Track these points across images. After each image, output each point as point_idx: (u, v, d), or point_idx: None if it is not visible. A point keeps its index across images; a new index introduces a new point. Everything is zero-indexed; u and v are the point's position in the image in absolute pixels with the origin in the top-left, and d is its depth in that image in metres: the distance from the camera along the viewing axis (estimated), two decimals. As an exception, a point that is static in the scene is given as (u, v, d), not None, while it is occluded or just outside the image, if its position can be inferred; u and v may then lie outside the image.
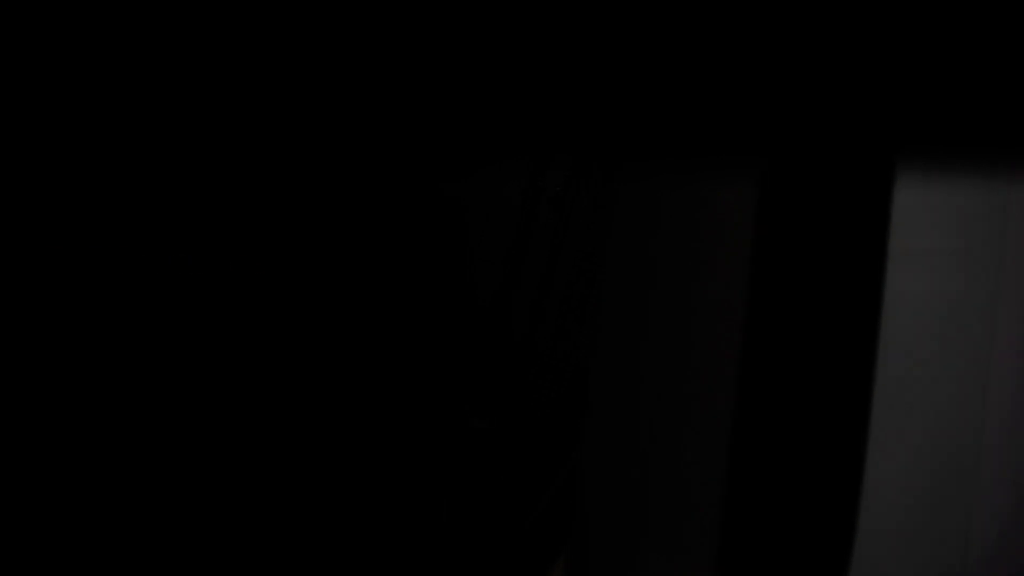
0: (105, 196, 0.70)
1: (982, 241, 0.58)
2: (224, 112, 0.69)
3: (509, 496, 0.76)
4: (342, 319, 0.75)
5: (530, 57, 0.68)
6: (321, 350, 0.75)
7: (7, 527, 0.69)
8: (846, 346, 0.58)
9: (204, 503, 0.71)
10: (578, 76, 0.68)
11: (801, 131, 0.59)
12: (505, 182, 0.76)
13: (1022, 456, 0.58)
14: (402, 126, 0.73)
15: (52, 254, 0.69)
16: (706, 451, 0.62)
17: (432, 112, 0.72)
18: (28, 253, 0.68)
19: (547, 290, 0.75)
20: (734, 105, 0.60)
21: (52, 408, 0.69)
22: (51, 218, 0.69)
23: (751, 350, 0.61)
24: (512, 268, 0.75)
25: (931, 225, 0.58)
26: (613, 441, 0.71)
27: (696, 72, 0.61)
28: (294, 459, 0.74)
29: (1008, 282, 0.58)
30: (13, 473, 0.69)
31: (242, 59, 0.67)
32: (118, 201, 0.70)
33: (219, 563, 0.71)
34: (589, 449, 0.73)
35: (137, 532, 0.71)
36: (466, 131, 0.73)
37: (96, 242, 0.70)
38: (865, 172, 0.58)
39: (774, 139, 0.60)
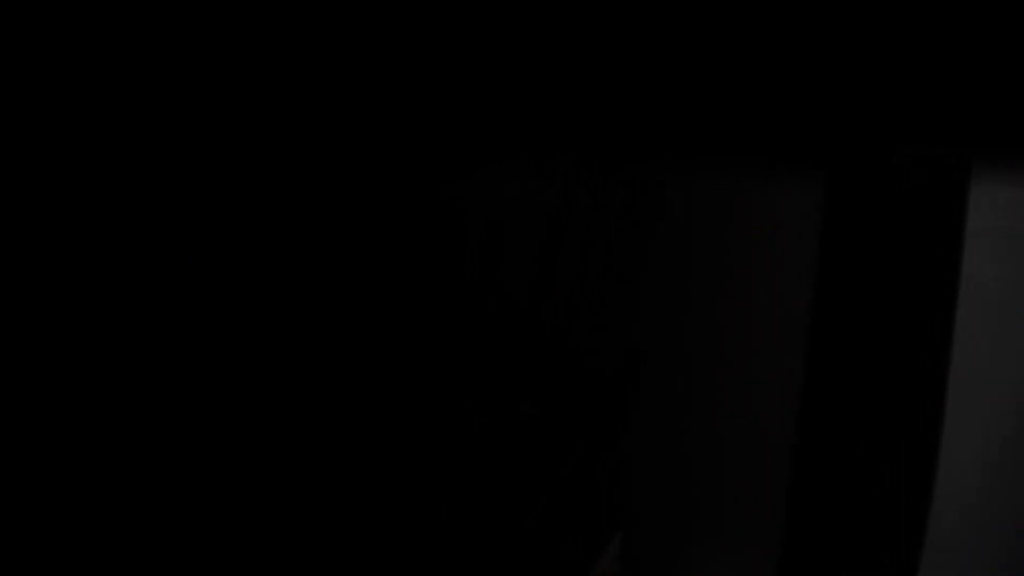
0: (103, 195, 0.69)
1: None
2: (228, 109, 0.65)
3: (557, 481, 0.78)
4: (380, 316, 0.75)
5: (562, 54, 0.64)
6: (361, 345, 0.75)
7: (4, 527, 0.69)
8: (918, 357, 0.59)
9: (212, 500, 0.72)
10: (630, 71, 0.64)
11: (871, 132, 0.57)
12: (542, 179, 0.74)
13: None
14: (436, 117, 0.70)
15: (51, 253, 0.69)
16: (768, 442, 0.63)
17: (463, 103, 0.68)
18: (26, 252, 0.69)
19: (583, 282, 0.74)
20: (800, 102, 0.58)
21: (48, 407, 0.70)
22: (47, 218, 0.68)
23: (817, 360, 0.61)
24: (548, 260, 0.74)
25: (1007, 237, 0.57)
26: (666, 429, 0.72)
27: (756, 65, 0.58)
28: (331, 450, 0.74)
29: None
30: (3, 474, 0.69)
31: (243, 57, 0.62)
32: (117, 200, 0.69)
33: (228, 560, 0.73)
34: (641, 435, 0.74)
35: (134, 531, 0.73)
36: (501, 123, 0.70)
37: (96, 241, 0.69)
38: (938, 178, 0.57)
39: (842, 140, 0.58)
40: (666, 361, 0.71)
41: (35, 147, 0.65)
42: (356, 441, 0.75)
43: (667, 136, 0.64)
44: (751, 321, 0.64)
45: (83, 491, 0.70)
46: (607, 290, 0.75)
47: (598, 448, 0.77)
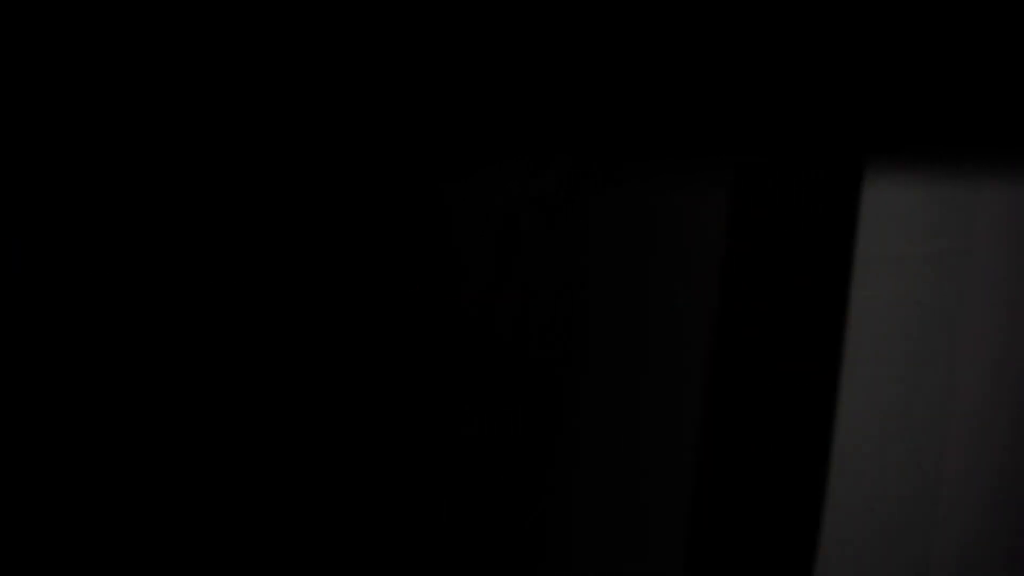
0: (82, 197, 0.71)
1: (948, 246, 0.57)
2: (208, 111, 0.69)
3: (500, 502, 0.76)
4: (326, 323, 0.75)
5: (517, 63, 0.68)
6: (305, 355, 0.75)
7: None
8: (813, 351, 0.58)
9: (195, 506, 0.72)
10: (559, 81, 0.68)
11: (773, 134, 0.59)
12: (493, 186, 0.77)
13: (987, 461, 0.57)
14: (387, 129, 0.74)
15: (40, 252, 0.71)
16: (675, 457, 0.62)
17: (417, 115, 0.73)
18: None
19: (533, 297, 0.76)
20: (707, 108, 0.60)
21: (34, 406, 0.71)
22: (35, 217, 0.70)
23: (721, 354, 0.61)
24: (499, 275, 0.75)
25: (897, 229, 0.58)
26: (585, 450, 0.71)
27: (669, 75, 0.62)
28: (284, 465, 0.74)
29: (973, 287, 0.57)
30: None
31: (226, 57, 0.68)
32: (95, 202, 0.71)
33: (210, 566, 0.72)
34: (563, 456, 0.73)
35: (117, 532, 0.72)
36: (455, 134, 0.74)
37: (72, 243, 0.71)
38: (835, 176, 0.58)
39: (745, 142, 0.60)
40: (586, 363, 0.71)
41: (27, 147, 0.68)
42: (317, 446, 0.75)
43: (598, 139, 0.68)
44: (661, 333, 0.65)
45: (65, 489, 0.71)
46: (552, 297, 0.75)
47: (535, 468, 0.75)
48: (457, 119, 0.69)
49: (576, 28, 0.63)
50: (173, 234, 0.72)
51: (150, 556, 0.71)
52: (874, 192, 0.57)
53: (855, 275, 0.57)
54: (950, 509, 0.56)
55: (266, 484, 0.72)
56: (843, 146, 0.57)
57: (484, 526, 0.75)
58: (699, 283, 0.63)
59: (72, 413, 0.70)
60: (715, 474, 0.60)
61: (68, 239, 0.70)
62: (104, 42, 0.64)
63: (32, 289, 0.70)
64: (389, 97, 0.68)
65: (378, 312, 0.76)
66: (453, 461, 0.75)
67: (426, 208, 0.77)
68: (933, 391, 0.56)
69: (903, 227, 0.58)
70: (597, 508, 0.70)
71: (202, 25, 0.65)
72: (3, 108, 0.65)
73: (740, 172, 0.62)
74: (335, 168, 0.75)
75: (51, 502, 0.68)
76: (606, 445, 0.69)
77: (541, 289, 0.77)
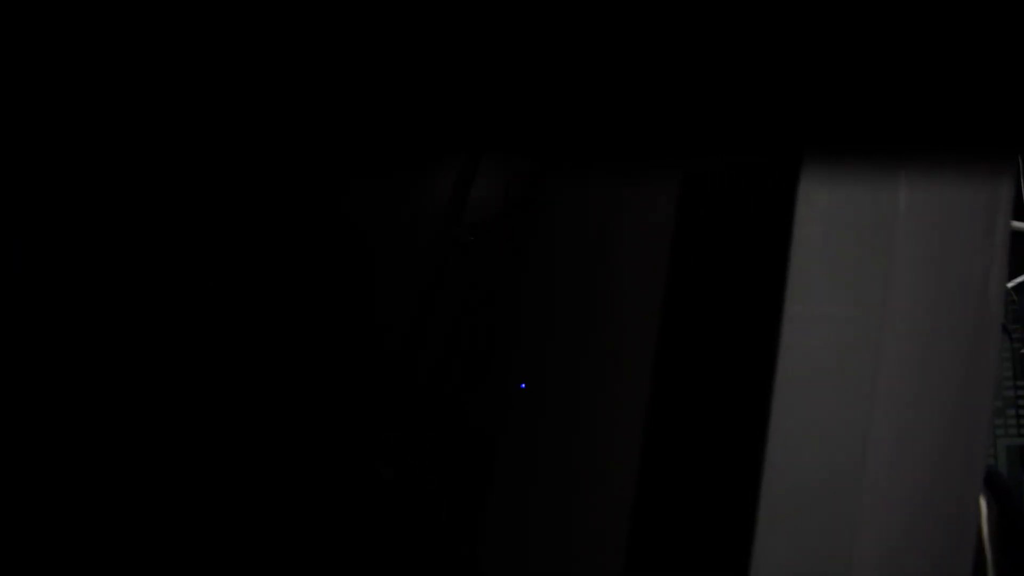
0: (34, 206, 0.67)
1: (870, 258, 0.59)
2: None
3: (418, 542, 0.76)
4: (245, 360, 0.74)
5: (459, 69, 0.67)
6: (224, 393, 0.74)
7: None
8: (749, 352, 0.59)
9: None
10: (502, 90, 0.67)
11: (713, 141, 0.60)
12: (419, 227, 0.76)
13: (911, 463, 0.59)
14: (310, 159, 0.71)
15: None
16: (614, 475, 0.63)
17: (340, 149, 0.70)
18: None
19: (455, 338, 0.74)
20: (654, 121, 0.61)
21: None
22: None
23: (661, 364, 0.61)
24: (422, 316, 0.74)
25: (829, 231, 0.58)
26: (517, 489, 0.72)
27: (616, 85, 0.62)
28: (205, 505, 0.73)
29: (894, 299, 0.59)
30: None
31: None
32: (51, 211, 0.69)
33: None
34: (493, 497, 0.73)
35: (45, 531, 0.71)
36: (377, 167, 0.72)
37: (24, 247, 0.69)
38: (771, 181, 0.59)
39: (690, 149, 0.61)
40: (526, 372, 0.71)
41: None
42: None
43: (545, 141, 0.67)
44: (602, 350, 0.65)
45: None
46: (473, 348, 0.74)
47: (454, 508, 0.74)
48: (393, 125, 0.68)
49: (525, 38, 0.62)
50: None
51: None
52: (808, 194, 0.58)
53: (789, 278, 0.57)
54: (873, 510, 0.57)
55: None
56: (781, 153, 0.58)
57: (407, 565, 0.74)
58: (645, 287, 0.63)
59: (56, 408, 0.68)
60: (656, 478, 0.60)
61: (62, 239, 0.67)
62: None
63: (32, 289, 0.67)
64: (313, 108, 0.66)
65: (297, 357, 0.74)
66: (372, 503, 0.74)
67: (350, 245, 0.75)
68: (858, 392, 0.58)
69: (835, 229, 0.58)
70: (529, 548, 0.70)
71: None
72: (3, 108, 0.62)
73: (687, 179, 0.63)
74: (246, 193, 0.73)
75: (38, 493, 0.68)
76: (542, 480, 0.69)
77: (464, 332, 0.75)
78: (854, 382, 0.59)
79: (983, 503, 1.10)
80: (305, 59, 0.66)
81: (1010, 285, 4.05)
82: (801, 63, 0.57)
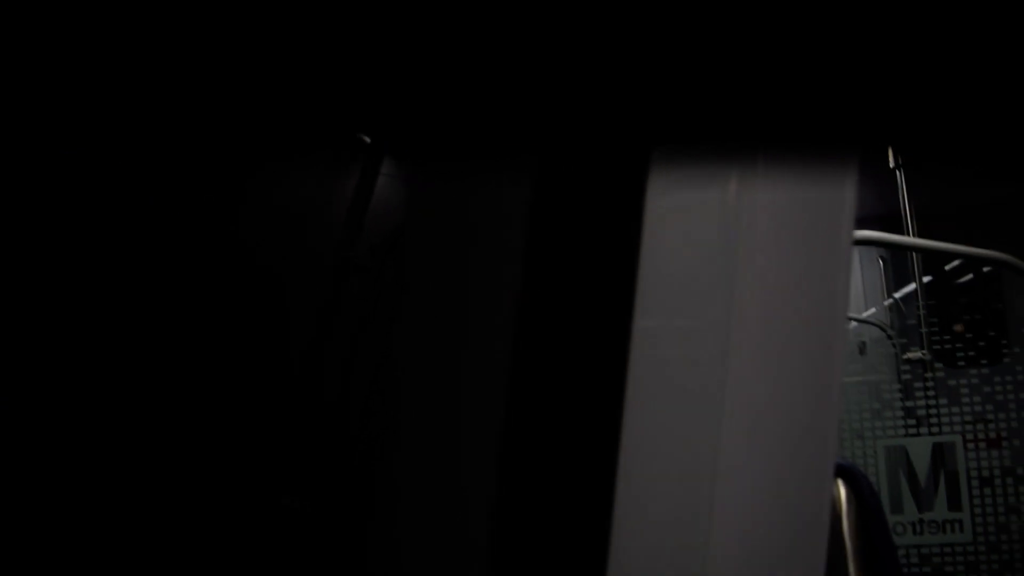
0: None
1: (718, 263, 0.60)
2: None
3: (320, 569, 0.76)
4: (143, 385, 0.73)
5: (323, 69, 0.67)
6: (123, 418, 0.73)
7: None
8: (602, 347, 0.60)
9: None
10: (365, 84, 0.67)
11: (567, 132, 0.60)
12: (316, 253, 0.76)
13: (760, 460, 0.62)
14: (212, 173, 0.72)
15: None
16: (483, 474, 0.64)
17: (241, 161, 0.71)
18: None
19: (353, 367, 0.76)
20: (509, 109, 0.61)
21: None
22: None
23: (521, 352, 0.62)
24: (321, 340, 0.75)
25: (677, 224, 0.60)
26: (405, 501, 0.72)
27: (475, 77, 0.62)
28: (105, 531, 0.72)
29: (741, 302, 0.61)
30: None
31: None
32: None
33: None
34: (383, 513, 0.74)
35: None
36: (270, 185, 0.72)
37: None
38: (622, 174, 0.60)
39: (544, 145, 0.61)
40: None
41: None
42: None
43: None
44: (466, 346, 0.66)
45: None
46: (374, 375, 0.76)
47: (358, 537, 0.76)
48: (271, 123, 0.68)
49: (387, 36, 0.63)
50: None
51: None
52: (658, 183, 0.59)
53: (641, 264, 0.59)
54: (727, 508, 0.60)
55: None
56: (631, 142, 0.59)
57: None
58: (506, 279, 0.64)
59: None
60: (515, 477, 0.61)
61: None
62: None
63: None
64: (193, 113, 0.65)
65: (201, 379, 0.74)
66: (273, 531, 0.75)
67: (250, 272, 0.75)
68: (709, 387, 0.60)
69: (683, 220, 0.60)
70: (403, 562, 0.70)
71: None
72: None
73: (541, 168, 0.62)
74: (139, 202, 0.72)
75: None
76: (425, 480, 0.70)
77: (362, 359, 0.78)
78: (705, 383, 0.62)
79: (844, 498, 1.19)
80: (189, 61, 0.67)
81: (897, 295, 4.26)
82: (656, 57, 0.60)
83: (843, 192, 0.63)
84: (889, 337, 3.49)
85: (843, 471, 1.20)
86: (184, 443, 0.74)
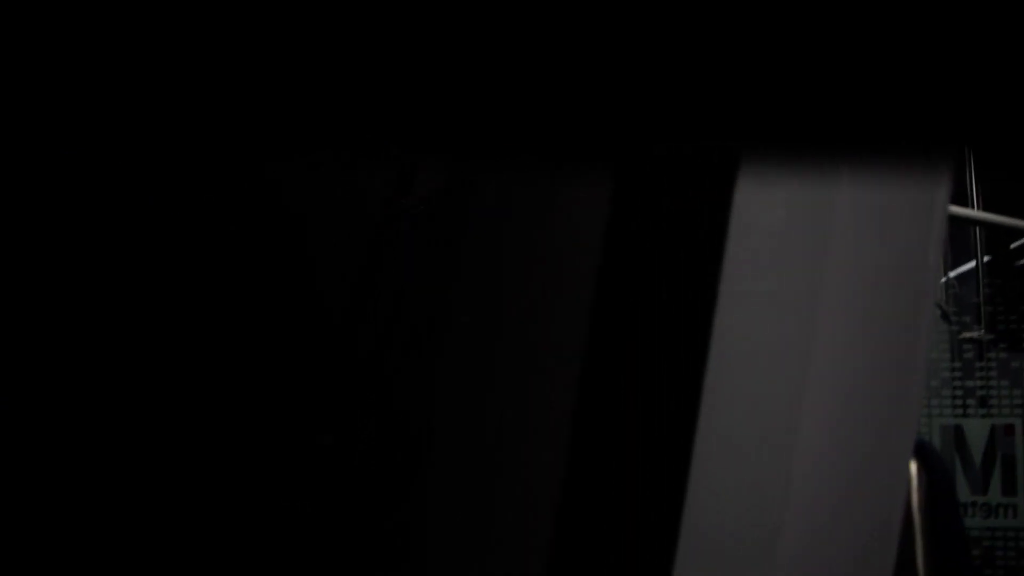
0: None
1: (804, 242, 0.59)
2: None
3: (357, 511, 0.75)
4: (180, 330, 0.73)
5: (390, 64, 0.66)
6: (161, 363, 0.72)
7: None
8: (682, 349, 0.59)
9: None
10: (435, 83, 0.66)
11: (651, 132, 0.60)
12: (366, 194, 0.74)
13: (838, 465, 0.60)
14: (252, 128, 0.70)
15: None
16: (539, 457, 0.63)
17: (286, 114, 0.69)
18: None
19: (398, 311, 0.73)
20: (588, 111, 0.60)
21: None
22: None
23: (595, 356, 0.61)
24: (365, 286, 0.73)
25: (762, 224, 0.59)
26: (446, 460, 0.72)
27: (542, 73, 0.61)
28: (142, 466, 0.72)
29: (829, 280, 0.60)
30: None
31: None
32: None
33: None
34: (424, 466, 0.73)
35: None
36: (326, 136, 0.70)
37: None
38: (707, 173, 0.59)
39: (625, 142, 0.60)
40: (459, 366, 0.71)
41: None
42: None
43: (477, 136, 0.66)
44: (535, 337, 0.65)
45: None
46: (417, 320, 0.74)
47: (393, 477, 0.74)
48: (324, 120, 0.67)
49: (439, 35, 0.61)
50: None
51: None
52: (746, 188, 0.58)
53: (724, 273, 0.58)
54: (797, 510, 0.59)
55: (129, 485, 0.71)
56: (718, 143, 0.58)
57: (343, 533, 0.74)
58: (574, 280, 0.63)
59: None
60: (582, 471, 0.60)
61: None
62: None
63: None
64: (248, 102, 0.65)
65: (237, 323, 0.73)
66: (310, 470, 0.74)
67: (289, 216, 0.74)
68: (788, 390, 0.58)
69: (770, 224, 0.58)
70: (458, 514, 0.70)
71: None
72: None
73: (619, 169, 0.61)
74: (193, 174, 0.71)
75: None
76: (467, 454, 0.69)
77: (406, 301, 0.75)
78: (789, 356, 0.60)
79: (914, 473, 1.14)
80: (247, 48, 0.65)
81: (952, 274, 4.16)
82: (742, 55, 0.57)
83: (938, 175, 0.62)
84: (945, 315, 3.40)
85: (916, 447, 1.15)
86: (228, 387, 0.74)
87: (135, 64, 0.62)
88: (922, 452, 1.14)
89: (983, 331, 3.00)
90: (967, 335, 3.06)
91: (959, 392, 2.86)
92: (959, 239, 3.89)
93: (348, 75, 0.65)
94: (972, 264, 3.51)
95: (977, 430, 2.77)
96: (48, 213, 0.67)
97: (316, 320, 0.75)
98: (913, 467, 1.14)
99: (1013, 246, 3.68)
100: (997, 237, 3.59)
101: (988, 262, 3.49)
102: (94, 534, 0.69)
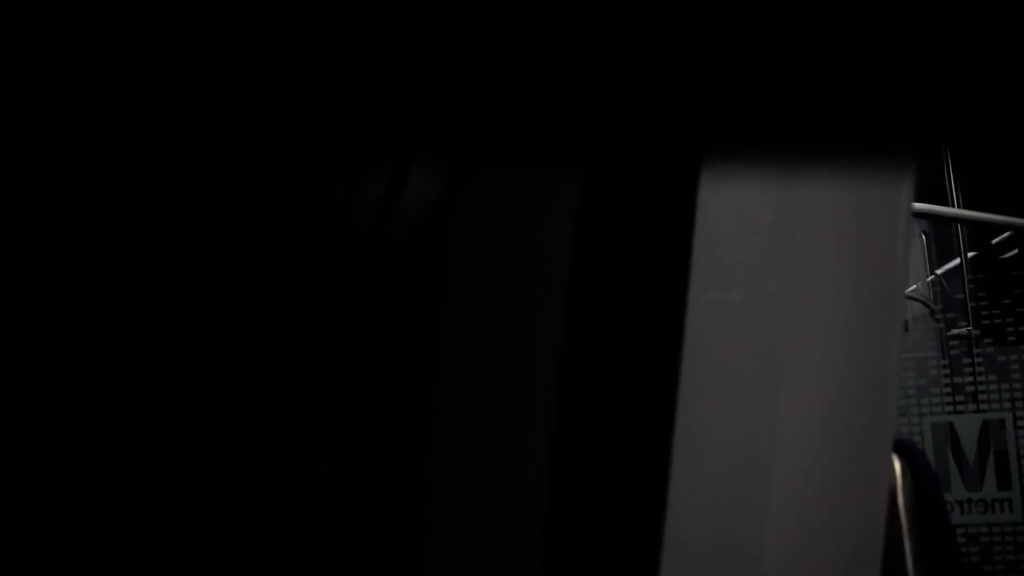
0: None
1: (771, 246, 0.60)
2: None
3: (356, 512, 0.76)
4: (184, 351, 0.73)
5: (385, 69, 0.66)
6: (163, 384, 0.73)
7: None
8: (654, 347, 0.59)
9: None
10: (422, 91, 0.67)
11: (617, 136, 0.60)
12: (366, 195, 0.75)
13: (816, 459, 0.61)
14: (249, 135, 0.71)
15: None
16: (529, 464, 0.63)
17: (280, 125, 0.70)
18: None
19: (396, 329, 0.74)
20: (556, 110, 0.61)
21: None
22: None
23: (570, 358, 0.62)
24: (365, 286, 0.74)
25: (727, 229, 0.59)
26: (444, 477, 0.72)
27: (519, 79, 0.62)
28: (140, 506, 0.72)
29: (795, 287, 0.60)
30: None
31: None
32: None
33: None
34: (422, 485, 0.74)
35: None
36: (326, 136, 0.71)
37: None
38: (673, 175, 0.59)
39: (593, 144, 0.61)
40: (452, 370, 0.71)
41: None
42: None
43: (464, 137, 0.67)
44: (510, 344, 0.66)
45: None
46: (415, 338, 0.74)
47: (395, 504, 0.75)
48: (320, 124, 0.67)
49: (426, 40, 0.62)
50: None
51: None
52: (710, 188, 0.59)
53: (692, 273, 0.58)
54: (780, 508, 0.59)
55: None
56: (682, 147, 0.58)
57: (342, 534, 0.75)
58: (552, 280, 0.64)
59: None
60: (565, 476, 0.61)
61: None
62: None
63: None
64: (246, 105, 0.65)
65: (237, 323, 0.73)
66: (311, 497, 0.74)
67: (289, 217, 0.74)
68: (767, 387, 0.59)
69: (737, 223, 0.59)
70: (456, 515, 0.70)
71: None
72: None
73: (590, 172, 0.62)
74: (192, 178, 0.71)
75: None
76: (464, 465, 0.70)
77: (404, 316, 0.76)
78: (762, 357, 0.61)
79: (899, 473, 1.15)
80: (245, 52, 0.66)
81: (939, 272, 4.19)
82: (705, 58, 0.58)
83: (902, 172, 0.62)
84: (933, 313, 3.41)
85: (899, 446, 1.16)
86: (226, 411, 0.74)
87: (135, 64, 0.62)
88: (906, 451, 1.15)
89: (971, 327, 3.02)
90: (955, 332, 3.08)
91: (948, 389, 2.87)
92: (943, 237, 3.91)
93: (347, 75, 0.66)
94: (957, 261, 3.53)
95: (969, 426, 2.79)
96: (48, 213, 0.68)
97: (316, 320, 0.75)
98: (898, 467, 1.15)
99: (995, 241, 3.72)
100: (980, 233, 3.62)
101: (972, 258, 3.51)
102: (94, 534, 0.69)
